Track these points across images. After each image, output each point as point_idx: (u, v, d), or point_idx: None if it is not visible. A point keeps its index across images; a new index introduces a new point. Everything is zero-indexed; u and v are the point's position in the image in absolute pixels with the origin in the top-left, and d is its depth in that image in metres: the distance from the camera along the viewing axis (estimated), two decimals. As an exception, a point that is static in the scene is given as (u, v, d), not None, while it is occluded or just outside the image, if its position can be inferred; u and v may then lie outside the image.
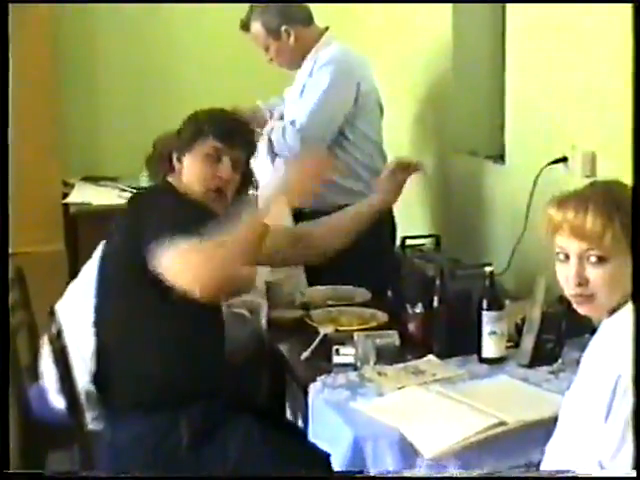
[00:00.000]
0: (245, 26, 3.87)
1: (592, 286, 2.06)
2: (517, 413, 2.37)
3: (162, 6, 5.41)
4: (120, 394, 2.69)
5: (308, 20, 3.87)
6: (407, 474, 2.27)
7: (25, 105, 4.74)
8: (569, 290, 2.09)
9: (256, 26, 3.83)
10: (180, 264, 2.46)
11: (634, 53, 2.27)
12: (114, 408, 2.71)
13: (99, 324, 2.80)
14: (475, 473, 2.24)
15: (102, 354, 2.76)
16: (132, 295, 2.68)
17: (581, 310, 2.10)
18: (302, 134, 3.64)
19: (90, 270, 3.10)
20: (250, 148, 2.96)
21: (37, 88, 4.80)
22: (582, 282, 2.05)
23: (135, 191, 3.82)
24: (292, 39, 3.81)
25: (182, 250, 2.44)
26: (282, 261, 3.20)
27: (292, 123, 3.68)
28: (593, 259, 2.03)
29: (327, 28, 3.89)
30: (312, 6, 3.95)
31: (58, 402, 2.98)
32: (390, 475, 2.29)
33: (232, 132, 2.85)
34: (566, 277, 2.07)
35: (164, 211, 2.64)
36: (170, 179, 2.85)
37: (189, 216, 2.62)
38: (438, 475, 2.23)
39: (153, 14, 5.44)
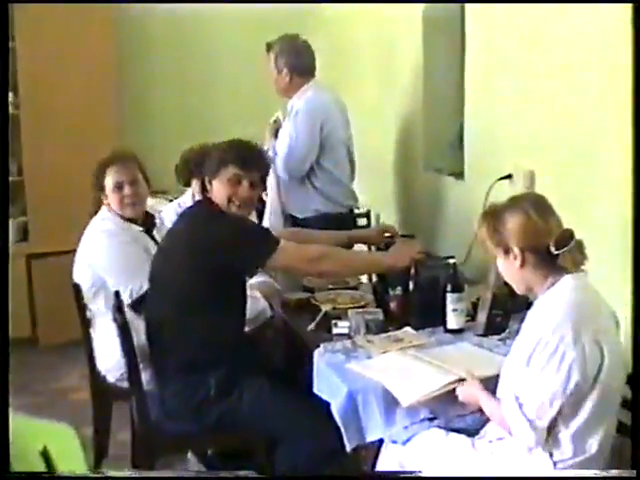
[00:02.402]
0: (268, 49, 3.91)
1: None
2: (474, 371, 2.35)
3: (209, 33, 5.37)
4: (167, 361, 2.73)
5: (308, 74, 3.85)
6: (425, 475, 2.21)
7: (93, 128, 4.76)
8: None
9: (271, 54, 3.88)
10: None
11: (634, 53, 2.13)
12: (162, 370, 2.76)
13: (152, 308, 2.81)
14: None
15: (153, 331, 2.79)
16: (182, 287, 2.68)
17: None
18: (286, 169, 3.77)
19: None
20: (264, 169, 2.93)
21: (104, 117, 4.83)
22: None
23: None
24: (287, 79, 3.83)
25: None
26: None
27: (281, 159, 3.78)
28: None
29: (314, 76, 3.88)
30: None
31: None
32: (410, 475, 2.24)
33: (248, 158, 2.80)
34: None
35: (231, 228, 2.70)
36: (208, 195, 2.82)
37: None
38: (457, 475, 2.20)
39: (202, 44, 5.40)
